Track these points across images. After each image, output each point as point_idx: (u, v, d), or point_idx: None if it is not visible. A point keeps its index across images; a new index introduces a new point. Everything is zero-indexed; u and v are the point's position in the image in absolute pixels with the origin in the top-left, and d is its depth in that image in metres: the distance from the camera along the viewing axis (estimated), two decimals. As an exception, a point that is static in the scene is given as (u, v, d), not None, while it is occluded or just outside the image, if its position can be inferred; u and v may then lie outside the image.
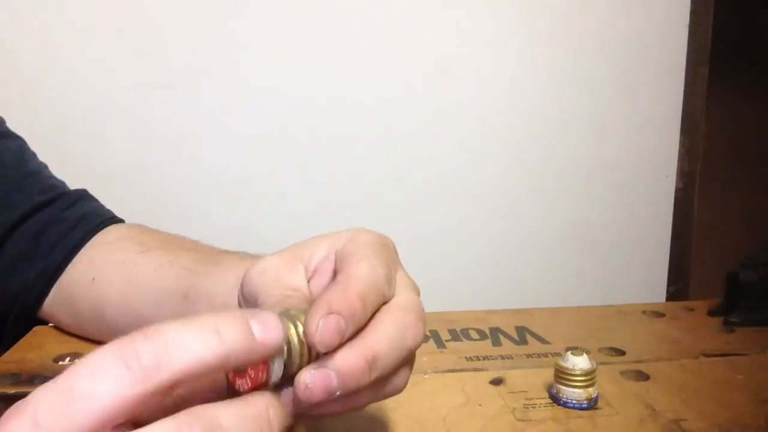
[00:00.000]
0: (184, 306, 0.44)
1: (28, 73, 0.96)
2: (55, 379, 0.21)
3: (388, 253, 0.33)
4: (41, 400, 0.21)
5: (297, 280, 0.33)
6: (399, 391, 0.31)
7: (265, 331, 0.24)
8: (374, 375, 0.28)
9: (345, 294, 0.28)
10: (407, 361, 0.30)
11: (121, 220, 0.58)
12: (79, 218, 0.55)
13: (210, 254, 0.47)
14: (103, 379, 0.21)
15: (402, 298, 0.31)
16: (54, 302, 0.53)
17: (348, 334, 0.27)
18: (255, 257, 0.40)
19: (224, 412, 0.22)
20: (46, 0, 0.94)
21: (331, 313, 0.26)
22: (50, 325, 0.55)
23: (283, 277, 0.32)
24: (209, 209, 1.02)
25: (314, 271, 0.33)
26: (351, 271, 0.29)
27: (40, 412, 0.20)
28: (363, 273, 0.29)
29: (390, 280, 0.31)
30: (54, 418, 0.20)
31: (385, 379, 0.29)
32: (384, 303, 0.30)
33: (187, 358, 0.21)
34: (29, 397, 0.21)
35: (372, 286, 0.29)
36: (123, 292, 0.49)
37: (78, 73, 0.96)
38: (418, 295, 0.33)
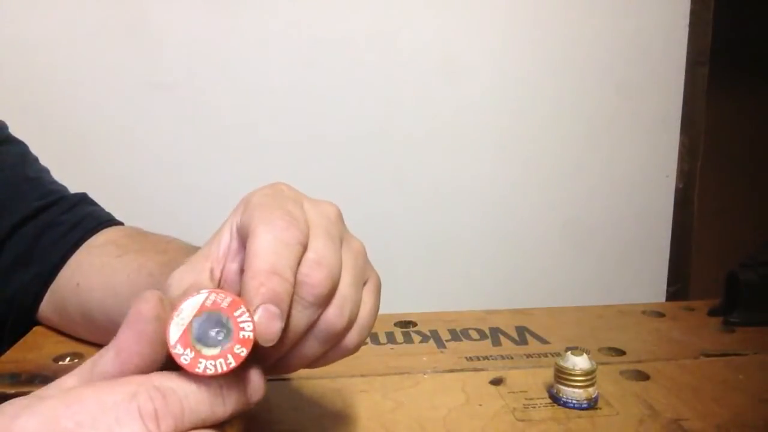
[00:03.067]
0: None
1: (29, 74, 0.96)
2: (56, 413, 0.20)
3: (283, 197, 0.31)
4: None
5: (202, 283, 0.30)
6: (335, 329, 0.29)
7: (255, 393, 0.25)
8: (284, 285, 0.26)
9: (256, 281, 0.26)
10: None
11: (120, 223, 0.58)
12: (77, 221, 0.55)
13: (177, 257, 0.45)
14: None
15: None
16: (48, 306, 0.53)
17: (286, 310, 0.26)
18: None
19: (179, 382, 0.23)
20: (46, 1, 0.94)
21: (256, 308, 0.25)
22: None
23: (185, 286, 0.30)
24: (209, 209, 1.02)
25: (224, 259, 0.31)
26: (251, 247, 0.27)
27: None
28: (263, 243, 0.27)
29: (298, 219, 0.29)
30: None
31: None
32: (306, 238, 0.29)
33: (197, 422, 0.22)
34: (18, 426, 0.20)
35: (279, 248, 0.27)
36: (103, 299, 0.49)
37: (78, 74, 0.96)
38: (329, 213, 0.31)
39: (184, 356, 0.23)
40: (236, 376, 0.24)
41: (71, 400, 0.21)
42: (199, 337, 0.23)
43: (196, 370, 0.23)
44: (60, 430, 0.20)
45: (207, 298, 0.24)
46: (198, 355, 0.23)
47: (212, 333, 0.24)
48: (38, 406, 0.21)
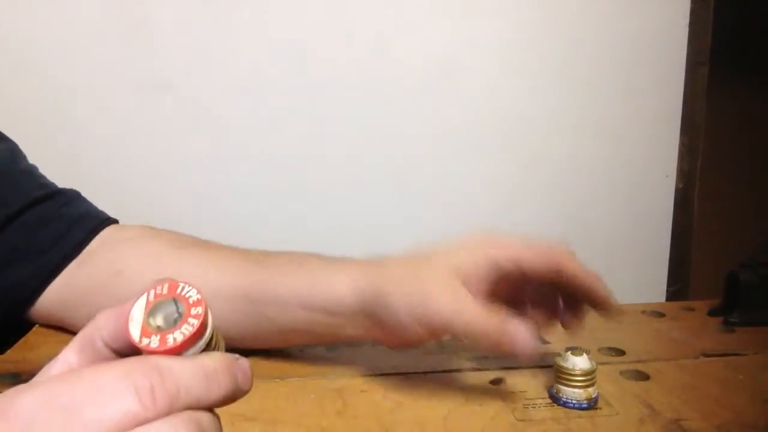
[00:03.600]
0: (249, 306, 0.45)
1: (27, 73, 0.96)
2: (54, 391, 0.21)
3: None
4: (37, 413, 0.21)
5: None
6: None
7: (245, 382, 0.25)
8: None
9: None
10: None
11: (116, 221, 0.57)
12: (77, 218, 0.54)
13: (258, 255, 0.48)
14: (113, 411, 0.21)
15: None
16: (57, 303, 0.52)
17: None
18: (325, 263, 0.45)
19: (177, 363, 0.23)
20: (45, 0, 0.94)
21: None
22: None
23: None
24: (208, 209, 1.02)
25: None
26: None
27: (36, 428, 0.20)
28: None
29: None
30: None
31: None
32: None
33: (192, 401, 0.23)
34: (16, 404, 0.21)
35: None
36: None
37: (77, 73, 0.96)
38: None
39: (152, 343, 0.24)
40: (228, 365, 0.25)
41: (69, 378, 0.22)
42: (158, 325, 0.24)
43: (168, 344, 0.24)
44: (57, 406, 0.21)
45: (148, 295, 0.25)
46: (164, 335, 0.24)
47: (168, 313, 0.25)
48: (37, 386, 0.22)
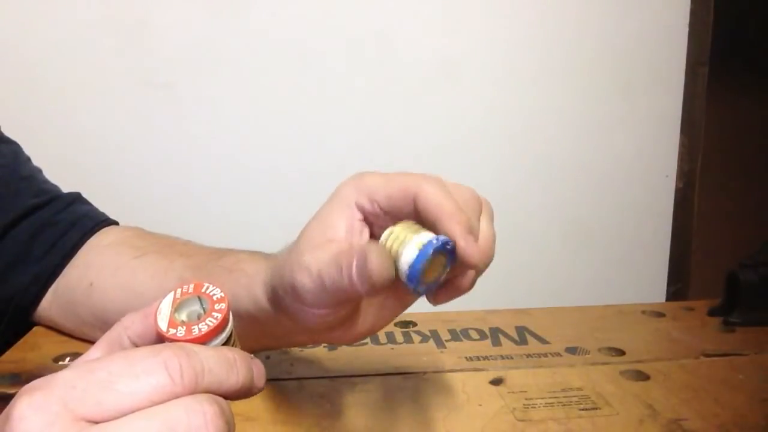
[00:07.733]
0: None
1: (27, 73, 0.96)
2: (91, 367, 0.23)
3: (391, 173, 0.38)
4: (74, 384, 0.22)
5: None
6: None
7: (260, 379, 0.27)
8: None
9: (454, 219, 0.33)
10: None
11: (115, 222, 0.58)
12: (74, 221, 0.54)
13: (204, 260, 0.45)
14: (145, 384, 0.23)
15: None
16: (52, 307, 0.53)
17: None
18: (256, 259, 0.40)
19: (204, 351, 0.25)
20: (45, 0, 0.94)
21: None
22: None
23: (333, 277, 0.32)
24: (209, 209, 1.02)
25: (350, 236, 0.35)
26: (434, 199, 0.35)
27: (71, 397, 0.22)
28: (438, 195, 0.35)
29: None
30: (85, 404, 0.22)
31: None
32: None
33: (213, 383, 0.24)
34: (56, 376, 0.23)
35: (448, 197, 0.35)
36: (122, 300, 0.49)
37: (78, 73, 0.96)
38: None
39: (178, 333, 0.26)
40: (246, 358, 0.26)
41: (104, 359, 0.24)
42: (183, 318, 0.27)
43: (193, 334, 0.25)
44: (95, 379, 0.22)
45: (176, 293, 0.27)
46: (189, 326, 0.26)
47: (192, 311, 0.27)
48: (76, 365, 0.24)
